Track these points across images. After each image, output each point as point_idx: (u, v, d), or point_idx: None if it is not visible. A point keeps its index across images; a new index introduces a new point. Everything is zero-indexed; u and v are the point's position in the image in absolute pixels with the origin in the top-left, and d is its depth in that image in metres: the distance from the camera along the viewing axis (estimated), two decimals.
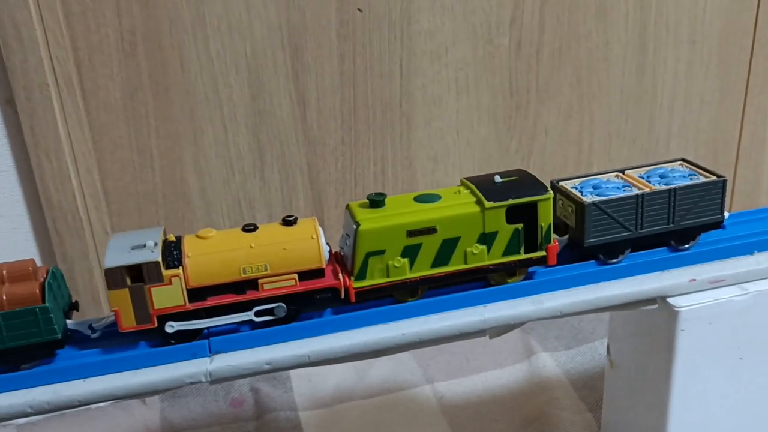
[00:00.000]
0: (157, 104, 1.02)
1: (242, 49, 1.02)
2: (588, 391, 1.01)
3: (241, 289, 0.63)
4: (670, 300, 0.70)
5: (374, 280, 0.65)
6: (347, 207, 0.68)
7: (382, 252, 0.65)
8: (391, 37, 1.07)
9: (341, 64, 1.06)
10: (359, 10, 1.04)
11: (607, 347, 0.84)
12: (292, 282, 0.64)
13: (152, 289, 0.61)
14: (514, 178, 0.69)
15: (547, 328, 1.15)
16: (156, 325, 0.62)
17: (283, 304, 0.64)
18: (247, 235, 0.64)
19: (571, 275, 0.70)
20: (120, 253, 0.61)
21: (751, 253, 0.73)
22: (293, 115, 1.07)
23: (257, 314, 0.64)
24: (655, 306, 0.71)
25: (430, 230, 0.65)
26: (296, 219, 0.65)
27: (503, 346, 1.13)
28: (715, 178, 0.72)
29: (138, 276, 0.60)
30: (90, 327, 0.66)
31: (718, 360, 0.73)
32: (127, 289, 0.60)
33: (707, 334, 0.71)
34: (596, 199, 0.69)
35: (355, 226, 0.64)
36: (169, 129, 1.03)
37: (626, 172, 0.76)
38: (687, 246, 0.73)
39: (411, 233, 0.65)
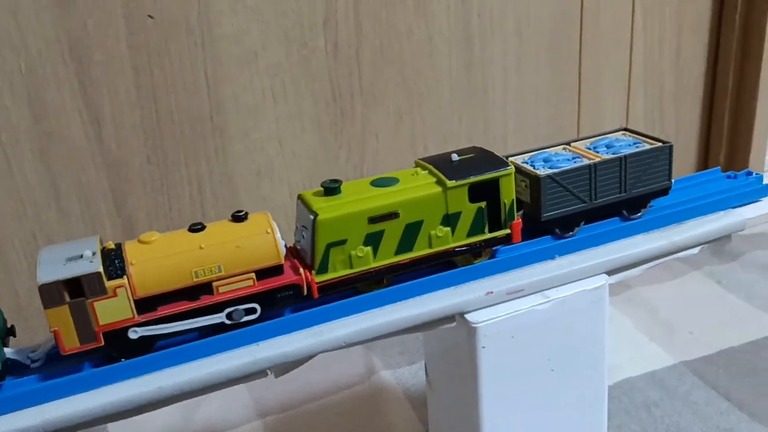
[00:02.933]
0: None
1: (15, 65, 0.90)
2: (426, 409, 0.95)
3: (194, 294, 0.58)
4: (467, 316, 0.64)
5: (337, 272, 0.62)
6: (299, 197, 0.64)
7: (343, 242, 0.61)
8: (191, 44, 0.98)
9: (136, 76, 0.96)
10: (150, 16, 0.94)
11: (425, 368, 0.78)
12: (250, 282, 0.59)
13: (95, 304, 0.55)
14: (470, 155, 0.67)
15: (391, 343, 1.09)
16: (102, 343, 0.56)
17: (247, 307, 0.59)
18: (195, 235, 0.59)
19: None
20: (54, 267, 0.54)
21: (552, 257, 0.68)
22: (87, 135, 0.96)
23: (227, 317, 0.59)
24: (454, 324, 0.65)
25: (392, 215, 0.62)
26: (246, 214, 0.61)
27: (344, 367, 1.05)
28: (661, 144, 0.71)
29: (78, 290, 0.54)
30: (28, 357, 0.59)
31: (528, 374, 0.68)
32: (66, 306, 0.54)
33: (512, 349, 0.66)
34: (551, 171, 0.67)
35: (312, 217, 0.60)
36: None
37: (572, 144, 0.74)
38: (638, 214, 0.71)
39: (372, 220, 0.61)
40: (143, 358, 0.58)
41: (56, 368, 0.58)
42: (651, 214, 0.71)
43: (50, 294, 0.54)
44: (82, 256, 0.55)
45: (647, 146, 0.71)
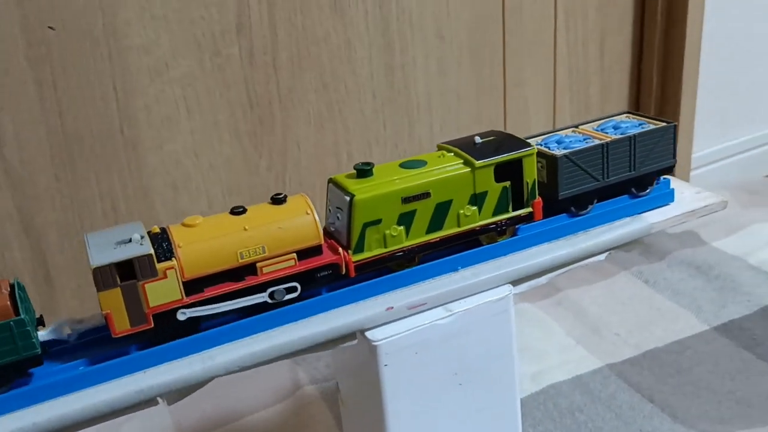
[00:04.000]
0: None
1: None
2: None
3: (238, 275, 0.59)
4: (367, 333, 0.62)
5: (372, 251, 0.63)
6: (331, 180, 0.65)
7: (378, 222, 0.63)
8: (97, 55, 0.94)
9: (39, 90, 0.92)
10: (50, 28, 0.91)
11: (337, 385, 0.76)
12: (292, 262, 0.60)
13: (146, 286, 0.55)
14: (492, 138, 0.70)
15: (318, 356, 1.07)
16: (152, 325, 0.56)
17: (284, 288, 0.61)
18: (238, 218, 0.60)
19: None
20: (105, 250, 0.55)
21: (455, 269, 0.66)
22: None
23: (270, 296, 0.60)
24: (355, 341, 0.63)
25: (424, 195, 0.64)
26: (285, 197, 0.62)
27: (270, 382, 1.03)
28: (665, 124, 0.74)
29: (129, 273, 0.55)
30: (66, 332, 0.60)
31: (435, 389, 0.66)
32: (118, 289, 0.54)
33: (416, 365, 0.64)
34: (566, 151, 0.69)
35: (348, 198, 0.62)
36: None
37: (580, 126, 0.77)
38: (646, 192, 0.73)
39: (406, 200, 0.63)
40: (23, 390, 0.55)
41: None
42: (558, 222, 0.70)
43: (103, 277, 0.54)
44: (130, 240, 0.56)
45: (653, 126, 0.73)
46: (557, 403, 0.93)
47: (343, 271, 0.62)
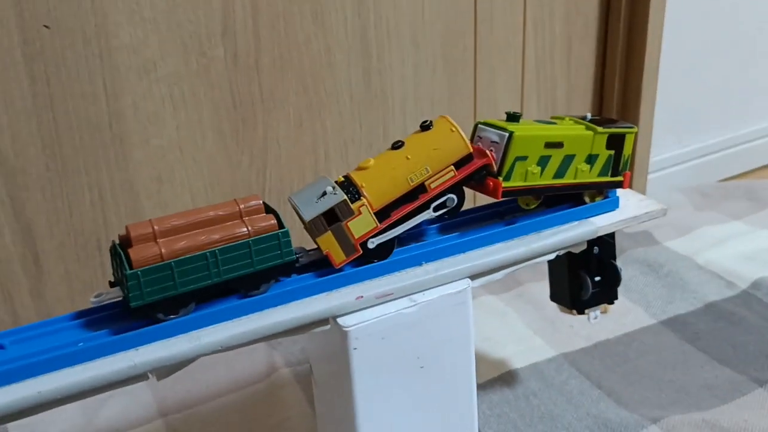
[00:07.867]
0: None
1: None
2: None
3: (413, 196, 0.71)
4: (339, 320, 0.69)
5: (516, 182, 0.75)
6: (481, 123, 0.77)
7: (525, 158, 0.74)
8: (89, 54, 0.99)
9: (33, 85, 0.97)
10: (46, 26, 0.96)
11: (310, 366, 0.83)
12: (452, 173, 0.72)
13: (348, 224, 0.69)
14: (598, 117, 0.82)
15: (294, 340, 1.13)
16: (361, 251, 0.70)
17: (453, 195, 0.72)
18: (399, 151, 0.71)
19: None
20: (310, 206, 0.69)
21: (419, 264, 0.73)
22: None
23: (435, 209, 0.72)
24: (328, 326, 0.70)
25: (559, 145, 0.75)
26: (431, 122, 0.73)
27: (246, 365, 1.09)
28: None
29: (333, 217, 0.68)
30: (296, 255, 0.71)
31: (399, 373, 0.73)
32: (329, 232, 0.68)
33: (382, 350, 0.71)
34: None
35: (507, 134, 0.73)
36: None
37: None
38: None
39: (548, 145, 0.75)
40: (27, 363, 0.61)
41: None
42: (515, 223, 0.77)
43: (316, 226, 0.68)
44: (325, 193, 0.69)
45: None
46: (514, 388, 1.00)
47: (495, 169, 0.73)
